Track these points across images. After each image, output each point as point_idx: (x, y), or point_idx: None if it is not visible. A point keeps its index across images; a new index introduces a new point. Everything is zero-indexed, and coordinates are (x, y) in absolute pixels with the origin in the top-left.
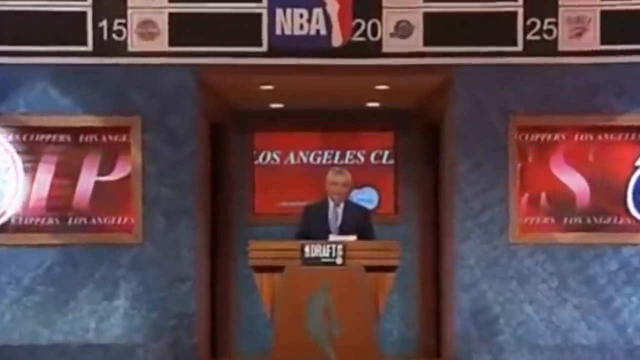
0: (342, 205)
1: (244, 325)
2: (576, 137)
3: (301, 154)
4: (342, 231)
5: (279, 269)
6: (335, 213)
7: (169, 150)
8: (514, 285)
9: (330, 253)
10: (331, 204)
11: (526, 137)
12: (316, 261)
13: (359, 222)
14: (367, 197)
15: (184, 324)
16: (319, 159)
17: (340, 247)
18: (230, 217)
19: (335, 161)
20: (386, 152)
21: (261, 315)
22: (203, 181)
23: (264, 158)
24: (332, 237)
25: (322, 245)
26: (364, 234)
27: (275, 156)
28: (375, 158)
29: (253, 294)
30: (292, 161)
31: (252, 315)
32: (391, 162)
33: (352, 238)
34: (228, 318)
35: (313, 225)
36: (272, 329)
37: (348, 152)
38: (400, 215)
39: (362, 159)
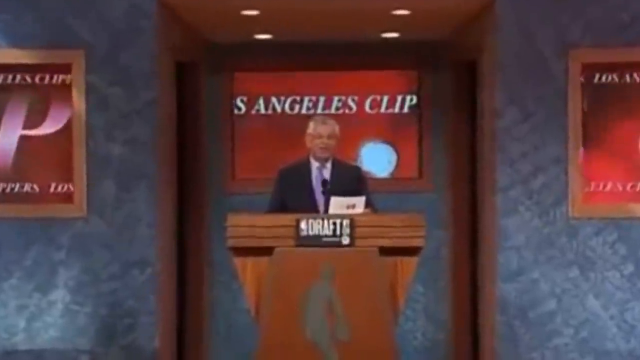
0: (328, 165)
1: (220, 325)
2: None
3: (296, 100)
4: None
5: (267, 251)
6: (321, 176)
7: (121, 96)
8: (575, 272)
9: (335, 230)
10: (315, 164)
11: (591, 78)
12: (316, 241)
13: (353, 186)
14: (382, 157)
15: (142, 324)
16: (319, 106)
17: (347, 222)
18: (203, 183)
19: (340, 110)
20: (407, 97)
21: (243, 312)
22: (167, 136)
23: (247, 105)
24: (334, 200)
25: (323, 220)
26: None
27: (261, 103)
28: (394, 105)
29: (233, 284)
30: (285, 109)
31: (231, 312)
32: (414, 110)
33: (360, 200)
34: (199, 316)
35: (292, 195)
36: (257, 330)
37: (358, 97)
38: (425, 180)
39: (377, 105)
